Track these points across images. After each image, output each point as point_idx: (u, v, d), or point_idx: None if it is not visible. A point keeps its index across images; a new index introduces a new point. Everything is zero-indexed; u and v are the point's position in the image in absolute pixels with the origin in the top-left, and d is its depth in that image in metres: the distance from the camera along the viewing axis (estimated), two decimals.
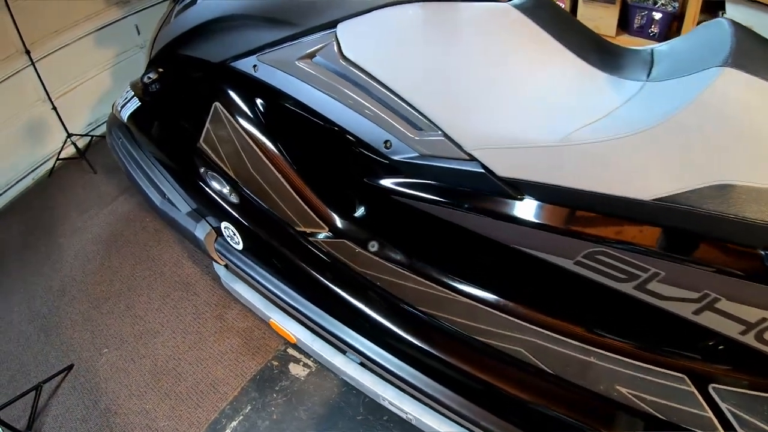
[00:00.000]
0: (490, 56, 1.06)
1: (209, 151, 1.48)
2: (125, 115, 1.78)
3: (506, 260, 1.08)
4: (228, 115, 1.42)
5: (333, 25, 1.17)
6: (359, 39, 1.15)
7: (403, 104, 1.09)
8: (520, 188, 0.97)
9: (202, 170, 1.49)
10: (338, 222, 1.32)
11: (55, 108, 3.19)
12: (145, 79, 1.80)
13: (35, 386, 1.99)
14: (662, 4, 2.66)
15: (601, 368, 1.02)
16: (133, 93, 1.83)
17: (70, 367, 2.09)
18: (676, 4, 2.64)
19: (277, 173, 1.36)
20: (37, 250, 2.74)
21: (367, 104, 1.14)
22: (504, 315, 1.11)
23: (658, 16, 2.67)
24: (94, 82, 3.49)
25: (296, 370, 1.89)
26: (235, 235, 1.47)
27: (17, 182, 3.18)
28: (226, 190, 1.46)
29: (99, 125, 3.54)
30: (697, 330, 0.90)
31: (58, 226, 2.86)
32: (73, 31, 3.33)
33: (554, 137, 0.91)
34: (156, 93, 1.76)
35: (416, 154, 1.10)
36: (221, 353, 1.98)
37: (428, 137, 1.07)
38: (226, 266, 1.68)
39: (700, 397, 0.93)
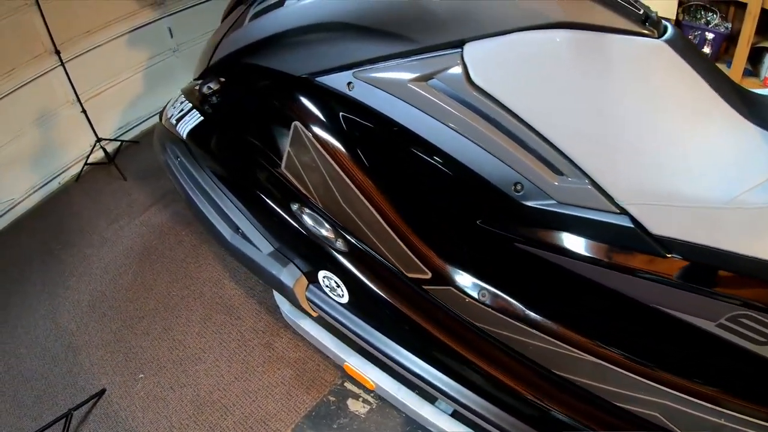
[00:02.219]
0: (648, 100, 0.94)
1: (293, 180, 1.31)
2: (184, 130, 1.61)
3: (640, 319, 0.99)
4: (311, 137, 1.27)
5: (458, 44, 1.03)
6: (492, 64, 1.00)
7: (544, 144, 0.97)
8: (672, 247, 0.89)
9: (295, 207, 1.30)
10: (443, 267, 1.17)
11: (84, 111, 3.05)
12: (205, 89, 1.65)
13: (65, 414, 1.83)
14: (715, 25, 2.60)
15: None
16: (190, 104, 1.68)
17: (101, 392, 1.94)
18: (729, 25, 2.57)
19: (371, 208, 1.21)
20: (62, 260, 2.59)
21: (495, 140, 1.00)
22: (636, 376, 1.01)
23: (710, 36, 2.62)
24: (125, 86, 3.37)
25: (355, 406, 1.74)
26: (338, 287, 1.29)
27: (42, 186, 3.05)
28: (328, 232, 1.27)
29: (129, 130, 3.42)
30: None
31: (85, 235, 2.72)
32: (105, 32, 3.22)
33: (722, 198, 0.84)
34: (218, 106, 1.61)
35: (553, 202, 0.98)
36: (271, 385, 1.84)
37: (571, 184, 0.95)
38: (317, 317, 1.49)
39: None
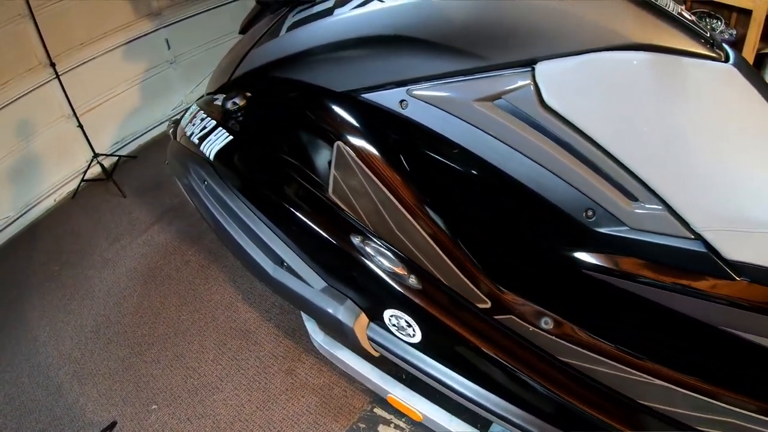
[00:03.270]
0: (722, 124, 0.93)
1: (343, 206, 1.22)
2: (210, 150, 1.49)
3: (707, 340, 0.98)
4: (357, 159, 1.19)
5: (529, 63, 0.97)
6: (567, 85, 0.96)
7: (618, 169, 0.93)
8: (743, 271, 0.88)
9: (357, 240, 1.18)
10: (504, 295, 1.12)
11: (81, 125, 2.95)
12: (230, 105, 1.55)
13: None
14: (720, 32, 2.60)
15: None
16: (214, 121, 1.58)
17: (112, 425, 1.83)
18: (734, 32, 2.57)
19: (425, 235, 1.14)
20: (62, 282, 2.48)
21: (568, 164, 0.96)
22: (704, 398, 0.99)
23: None
24: (121, 99, 3.28)
25: None
26: (410, 326, 1.18)
27: (38, 203, 2.93)
28: (398, 268, 1.16)
29: (125, 144, 3.32)
30: None
31: (85, 255, 2.60)
32: (101, 44, 3.13)
33: None
34: (248, 123, 1.51)
35: (625, 228, 0.95)
36: (296, 414, 1.75)
37: (645, 210, 0.93)
38: (380, 357, 1.36)
39: None
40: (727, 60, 0.94)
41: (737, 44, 2.53)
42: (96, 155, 3.01)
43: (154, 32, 3.35)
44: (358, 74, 1.20)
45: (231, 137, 1.46)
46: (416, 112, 1.11)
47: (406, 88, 1.12)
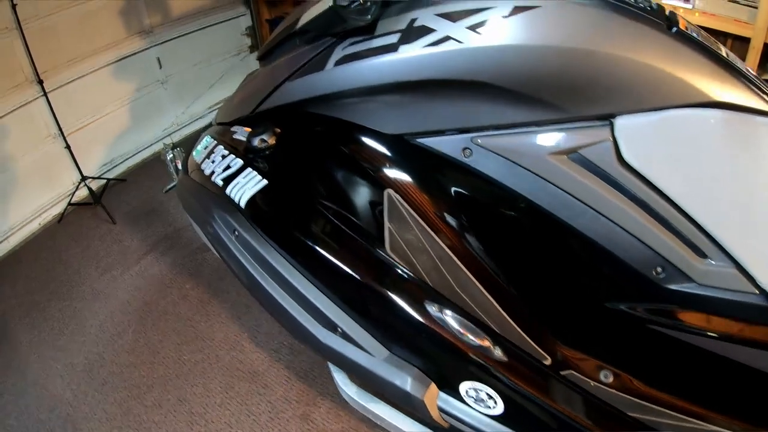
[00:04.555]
0: None
1: (403, 264, 1.12)
2: (240, 196, 1.35)
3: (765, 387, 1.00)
4: (410, 210, 1.13)
5: (606, 117, 0.95)
6: (647, 141, 0.94)
7: (691, 227, 0.94)
8: None
9: (433, 308, 1.09)
10: (563, 351, 1.08)
11: (68, 146, 2.82)
12: (257, 142, 1.45)
13: None
14: None
15: None
16: (240, 161, 1.47)
17: None
18: None
19: (484, 291, 1.09)
20: (50, 314, 2.32)
21: (642, 222, 0.96)
22: None
23: None
24: (110, 119, 3.14)
25: None
26: (490, 398, 1.10)
27: (22, 227, 2.77)
28: (482, 340, 1.08)
29: (114, 166, 3.18)
30: None
31: (74, 286, 2.46)
32: (91, 61, 3.02)
33: None
34: (281, 165, 1.38)
35: (693, 284, 0.97)
36: None
37: (716, 267, 0.95)
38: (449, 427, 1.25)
39: None
40: None
41: None
42: (84, 178, 2.86)
43: (145, 51, 3.25)
44: (416, 117, 1.14)
45: (264, 182, 1.36)
46: (481, 162, 1.07)
47: (471, 135, 1.08)
